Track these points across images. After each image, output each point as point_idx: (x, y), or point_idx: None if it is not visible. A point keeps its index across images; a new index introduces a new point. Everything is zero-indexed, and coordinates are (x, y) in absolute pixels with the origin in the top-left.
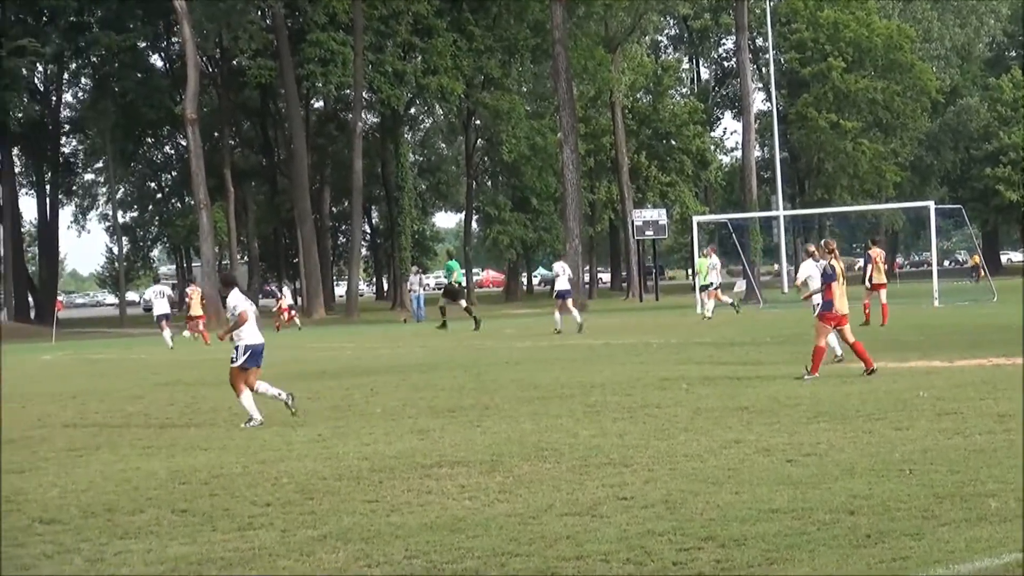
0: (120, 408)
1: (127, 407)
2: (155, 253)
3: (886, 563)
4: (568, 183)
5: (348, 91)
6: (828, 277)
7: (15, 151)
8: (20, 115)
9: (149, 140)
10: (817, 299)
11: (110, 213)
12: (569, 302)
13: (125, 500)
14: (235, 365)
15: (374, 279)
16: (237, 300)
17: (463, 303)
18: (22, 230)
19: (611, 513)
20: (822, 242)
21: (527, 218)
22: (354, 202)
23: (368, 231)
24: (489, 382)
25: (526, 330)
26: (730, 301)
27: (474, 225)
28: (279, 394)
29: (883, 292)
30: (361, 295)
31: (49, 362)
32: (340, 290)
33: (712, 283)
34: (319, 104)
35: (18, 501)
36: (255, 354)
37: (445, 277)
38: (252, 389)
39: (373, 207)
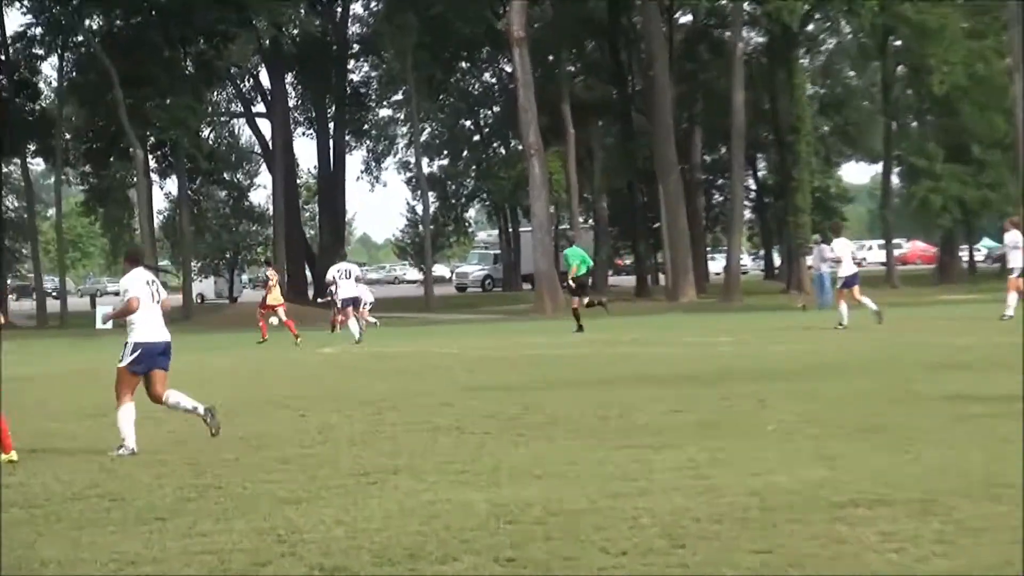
0: (424, 419)
1: (433, 418)
2: (470, 214)
3: None
4: (1022, 124)
5: (725, 1)
6: None
7: (289, 79)
8: (296, 32)
9: (463, 65)
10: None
11: (412, 161)
12: (585, 300)
13: (432, 543)
14: (121, 365)
15: (761, 252)
16: (129, 283)
17: (587, 299)
18: (298, 182)
19: None
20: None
21: (967, 172)
22: (734, 149)
23: (753, 187)
24: (917, 392)
25: (965, 322)
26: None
27: (895, 180)
28: (195, 407)
29: None
30: (744, 272)
31: (330, 356)
32: (716, 265)
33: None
34: (687, 18)
35: (292, 541)
36: (149, 355)
37: (567, 268)
38: (161, 401)
39: (759, 156)
